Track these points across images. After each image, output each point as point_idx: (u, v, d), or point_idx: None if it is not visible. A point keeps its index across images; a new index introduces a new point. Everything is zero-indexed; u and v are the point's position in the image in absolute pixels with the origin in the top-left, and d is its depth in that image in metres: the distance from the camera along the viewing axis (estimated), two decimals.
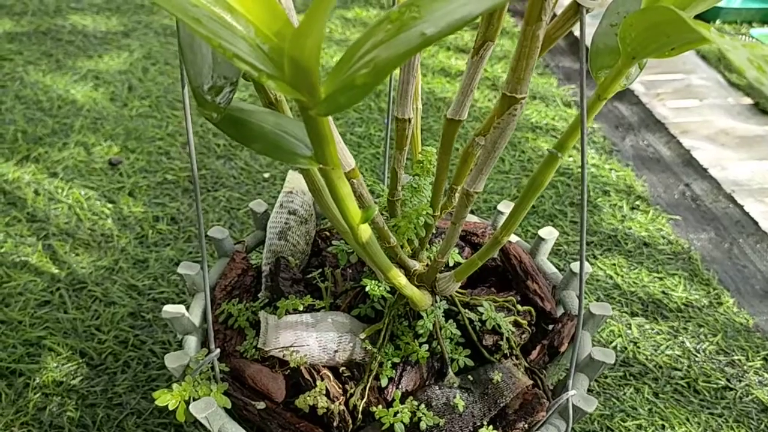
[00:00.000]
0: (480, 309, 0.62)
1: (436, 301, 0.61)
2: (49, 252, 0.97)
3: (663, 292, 0.96)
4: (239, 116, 0.42)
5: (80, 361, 0.83)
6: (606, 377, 0.84)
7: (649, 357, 0.87)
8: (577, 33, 1.48)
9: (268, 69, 0.34)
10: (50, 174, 1.12)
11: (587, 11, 0.45)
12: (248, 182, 1.12)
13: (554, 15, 0.45)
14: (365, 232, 0.48)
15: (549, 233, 0.72)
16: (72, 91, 1.33)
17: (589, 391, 0.82)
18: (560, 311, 0.69)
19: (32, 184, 1.09)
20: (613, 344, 0.88)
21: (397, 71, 0.62)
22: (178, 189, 1.10)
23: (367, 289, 0.58)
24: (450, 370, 0.60)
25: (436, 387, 0.58)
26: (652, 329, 0.91)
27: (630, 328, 0.91)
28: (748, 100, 1.41)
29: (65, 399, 0.79)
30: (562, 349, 0.63)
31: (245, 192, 1.10)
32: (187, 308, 0.66)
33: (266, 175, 1.14)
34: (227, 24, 0.35)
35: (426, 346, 0.60)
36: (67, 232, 1.01)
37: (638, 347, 0.88)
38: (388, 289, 0.58)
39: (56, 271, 0.95)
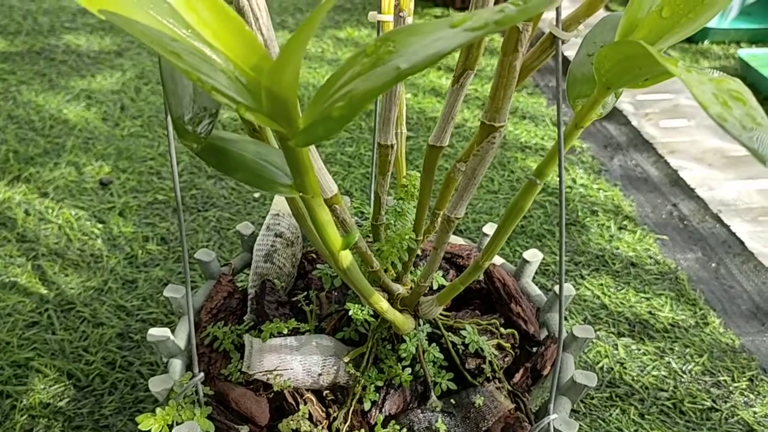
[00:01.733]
0: (463, 332, 0.62)
1: (419, 325, 0.61)
2: (38, 272, 0.98)
3: (650, 313, 0.97)
4: (220, 145, 0.43)
5: (67, 382, 0.83)
6: (592, 398, 0.85)
7: (636, 378, 0.88)
8: (569, 55, 1.50)
9: (246, 101, 0.35)
10: (41, 194, 1.12)
11: (563, 43, 0.45)
12: (238, 202, 1.13)
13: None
14: (346, 258, 0.49)
15: (533, 255, 0.73)
16: (64, 111, 1.33)
17: (575, 412, 0.83)
18: (544, 333, 0.69)
19: (23, 204, 1.09)
20: (600, 365, 0.89)
21: (381, 97, 0.63)
22: (168, 209, 1.10)
23: (350, 313, 0.58)
24: (433, 393, 0.60)
25: (419, 411, 0.58)
26: (639, 350, 0.91)
27: (617, 349, 0.91)
28: None
29: (52, 421, 0.79)
30: (545, 372, 0.63)
31: (235, 212, 1.11)
32: (174, 330, 0.66)
33: (256, 195, 1.14)
34: (206, 57, 0.36)
35: (409, 370, 0.60)
36: (57, 252, 1.01)
37: (625, 368, 0.89)
38: (372, 312, 0.59)
39: (45, 291, 0.95)
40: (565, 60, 1.48)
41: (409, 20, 0.54)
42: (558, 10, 0.44)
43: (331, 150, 1.26)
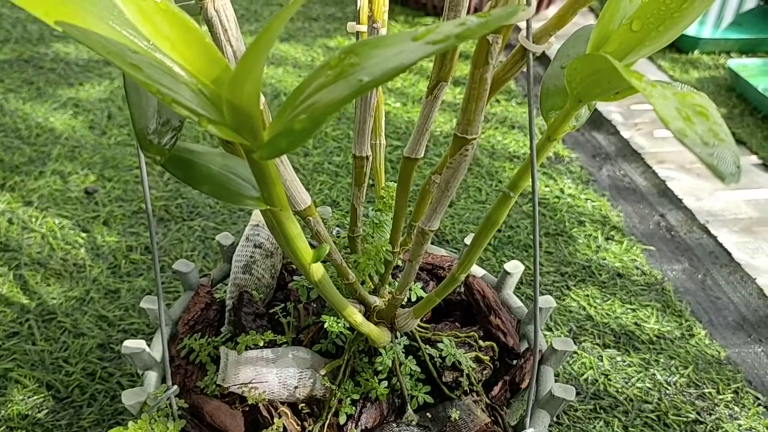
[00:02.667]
0: (440, 345, 0.62)
1: (396, 338, 0.61)
2: (20, 282, 0.97)
3: (635, 324, 0.96)
4: (186, 157, 0.43)
5: (46, 393, 0.83)
6: (576, 410, 0.84)
7: (620, 390, 0.87)
8: None
9: (208, 114, 0.34)
10: (25, 203, 1.11)
11: (533, 55, 0.45)
12: (224, 212, 1.12)
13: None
14: (318, 270, 0.49)
15: (515, 267, 0.72)
16: (51, 119, 1.33)
17: (559, 424, 0.82)
18: (525, 346, 0.69)
19: (6, 213, 1.09)
20: (584, 376, 0.88)
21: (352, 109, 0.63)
22: (153, 218, 1.10)
23: (325, 325, 0.57)
24: (409, 407, 0.59)
25: (394, 424, 0.58)
26: (624, 361, 0.91)
27: (601, 361, 0.91)
28: None
29: None
30: (524, 385, 0.63)
31: (221, 221, 1.10)
32: (150, 342, 0.66)
33: None
34: (168, 70, 0.35)
35: (386, 383, 0.60)
36: (39, 261, 1.01)
37: (609, 380, 0.88)
38: (348, 325, 0.58)
39: (26, 301, 0.94)
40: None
41: (383, 31, 0.53)
42: (528, 22, 0.44)
43: (319, 159, 1.26)
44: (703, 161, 0.29)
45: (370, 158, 0.56)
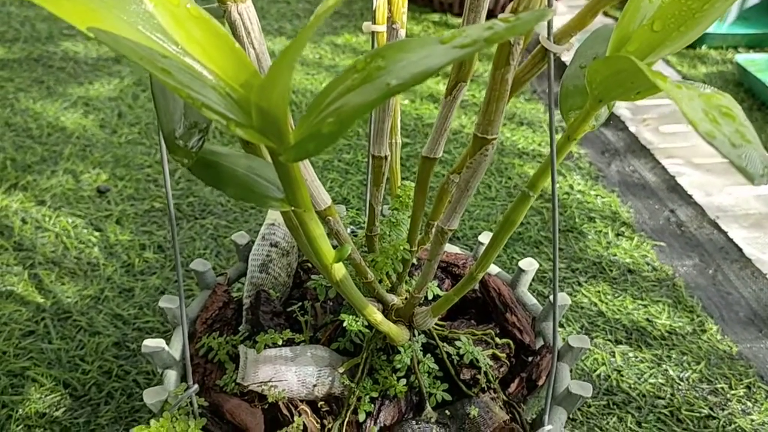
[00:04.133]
0: (458, 343, 0.62)
1: (414, 336, 0.61)
2: (35, 281, 0.98)
3: (647, 320, 0.97)
4: (212, 159, 0.43)
5: (63, 392, 0.83)
6: (589, 406, 0.85)
7: (633, 385, 0.87)
8: (566, 59, 1.50)
9: (236, 117, 0.35)
10: (38, 202, 1.12)
11: (554, 56, 0.46)
12: (236, 210, 1.13)
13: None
14: (339, 270, 0.49)
15: (529, 264, 0.72)
16: (62, 118, 1.34)
17: (572, 420, 0.83)
18: (540, 343, 0.69)
19: (20, 213, 1.09)
20: (597, 372, 0.89)
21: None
22: (165, 217, 1.10)
23: (344, 324, 0.58)
24: (428, 404, 0.60)
25: (414, 422, 0.58)
26: (636, 357, 0.91)
27: (614, 357, 0.91)
28: None
29: (48, 431, 0.79)
30: (540, 383, 0.63)
31: (233, 219, 1.11)
32: (169, 341, 0.66)
33: None
34: (197, 74, 0.36)
35: (404, 381, 0.60)
36: (54, 260, 1.01)
37: (622, 375, 0.89)
38: (366, 323, 0.59)
39: (41, 300, 0.95)
40: (563, 64, 1.48)
41: (402, 32, 0.54)
42: (549, 24, 0.44)
43: (329, 157, 1.26)
44: (733, 163, 0.29)
45: (389, 158, 0.57)
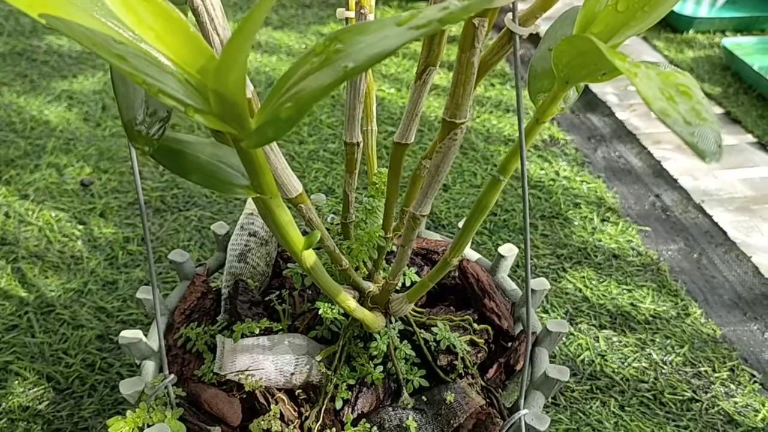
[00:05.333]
0: (435, 329, 0.62)
1: (391, 322, 0.61)
2: (18, 275, 0.97)
3: (631, 304, 0.97)
4: (175, 147, 0.43)
5: (47, 385, 0.83)
6: (573, 391, 0.85)
7: (616, 370, 0.88)
8: None
9: (195, 103, 0.35)
10: (21, 196, 1.12)
11: (520, 38, 0.45)
12: (220, 201, 1.12)
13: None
14: (309, 257, 0.49)
15: (508, 250, 0.72)
16: (45, 112, 1.33)
17: (556, 405, 0.83)
18: (519, 328, 0.69)
19: (3, 207, 1.09)
20: (581, 357, 0.89)
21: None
22: (150, 209, 1.10)
23: (320, 312, 0.58)
24: (405, 391, 0.60)
25: (390, 408, 0.58)
26: (620, 342, 0.91)
27: (598, 341, 0.91)
28: (720, 110, 1.42)
29: (31, 424, 0.79)
30: (518, 367, 0.63)
31: (217, 211, 1.10)
32: (147, 332, 0.66)
33: None
34: (154, 60, 0.35)
35: (381, 368, 0.60)
36: (37, 254, 1.01)
37: (606, 360, 0.89)
38: (342, 311, 0.59)
39: (25, 294, 0.95)
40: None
41: (370, 17, 0.53)
42: (514, 5, 0.44)
43: (314, 147, 1.26)
44: (684, 140, 0.29)
45: (361, 144, 0.56)
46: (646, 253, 1.06)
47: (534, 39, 1.66)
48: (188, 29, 0.35)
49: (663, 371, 0.88)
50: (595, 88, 1.50)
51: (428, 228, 1.08)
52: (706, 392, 0.85)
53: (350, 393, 0.60)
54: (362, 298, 0.60)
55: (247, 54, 0.32)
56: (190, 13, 0.46)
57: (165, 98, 0.33)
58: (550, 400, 0.84)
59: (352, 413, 0.58)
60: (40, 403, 0.81)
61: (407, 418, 0.57)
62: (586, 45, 0.39)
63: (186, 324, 0.66)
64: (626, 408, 0.83)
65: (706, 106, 0.33)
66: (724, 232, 1.10)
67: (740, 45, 1.56)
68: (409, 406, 0.58)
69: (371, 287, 0.60)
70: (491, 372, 0.64)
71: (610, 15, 0.43)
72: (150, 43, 0.34)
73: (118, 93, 0.40)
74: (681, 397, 0.85)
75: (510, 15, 0.44)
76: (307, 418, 0.58)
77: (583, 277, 1.01)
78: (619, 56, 0.35)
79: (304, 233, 0.59)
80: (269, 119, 0.35)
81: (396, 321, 0.62)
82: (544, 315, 0.95)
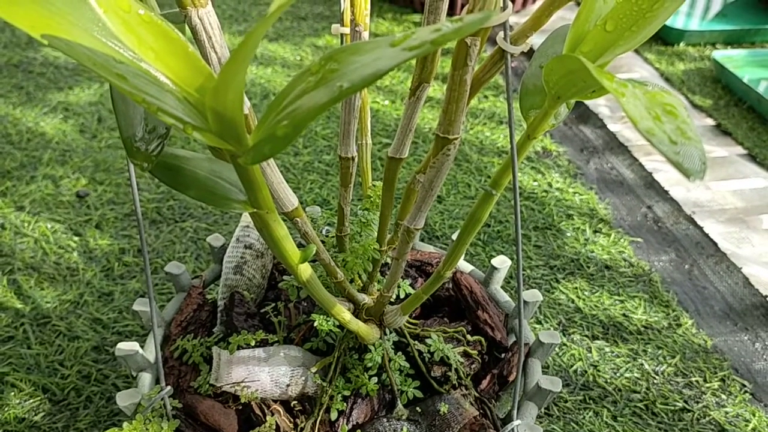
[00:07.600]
0: (428, 341, 0.63)
1: (385, 334, 0.62)
2: (13, 287, 0.98)
3: (623, 315, 0.98)
4: (173, 163, 0.44)
5: (43, 396, 0.83)
6: (566, 401, 0.86)
7: (609, 380, 0.88)
8: None
9: (193, 121, 0.35)
10: (17, 208, 1.12)
11: (511, 56, 0.46)
12: (216, 213, 1.13)
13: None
14: (305, 270, 0.50)
15: (501, 262, 0.73)
16: (41, 124, 1.33)
17: (549, 416, 0.84)
18: (513, 339, 0.70)
19: None
20: (574, 368, 0.90)
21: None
22: (145, 220, 1.10)
23: (315, 324, 0.59)
24: (399, 402, 0.61)
25: (384, 419, 0.59)
26: (612, 352, 0.92)
27: (590, 352, 0.92)
28: (711, 122, 1.44)
29: None
30: (512, 378, 0.64)
31: (213, 222, 1.11)
32: (144, 344, 0.67)
33: None
34: (154, 79, 0.36)
35: (375, 379, 0.61)
36: (33, 266, 1.01)
37: (598, 370, 0.90)
38: (337, 323, 0.59)
39: (20, 306, 0.95)
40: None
41: (365, 34, 0.54)
42: (506, 25, 0.45)
43: (309, 158, 1.27)
44: (669, 159, 0.30)
45: (356, 159, 0.57)
46: (638, 264, 1.07)
47: (528, 52, 1.67)
48: (187, 49, 0.36)
49: (655, 381, 0.89)
50: (587, 100, 1.51)
51: (422, 239, 1.09)
52: (698, 402, 0.86)
53: (345, 404, 0.60)
54: (357, 311, 0.60)
55: (245, 74, 0.33)
56: (188, 30, 0.47)
57: (164, 116, 0.34)
58: (543, 410, 0.84)
59: (347, 424, 0.59)
60: (35, 415, 0.81)
61: (402, 429, 0.57)
62: (575, 64, 0.40)
63: (182, 336, 0.67)
64: (619, 418, 0.84)
65: (691, 125, 0.34)
66: (715, 243, 1.11)
67: (731, 58, 1.58)
68: (404, 417, 0.59)
69: (366, 299, 0.61)
70: (484, 383, 0.64)
71: (599, 34, 0.44)
72: (150, 62, 0.35)
73: (117, 110, 0.41)
74: (672, 407, 0.85)
75: (501, 34, 0.46)
76: (302, 429, 0.59)
77: (576, 288, 1.02)
78: (606, 76, 0.36)
79: (300, 246, 0.60)
80: (266, 137, 0.36)
81: (390, 333, 0.63)
82: (537, 326, 0.95)
